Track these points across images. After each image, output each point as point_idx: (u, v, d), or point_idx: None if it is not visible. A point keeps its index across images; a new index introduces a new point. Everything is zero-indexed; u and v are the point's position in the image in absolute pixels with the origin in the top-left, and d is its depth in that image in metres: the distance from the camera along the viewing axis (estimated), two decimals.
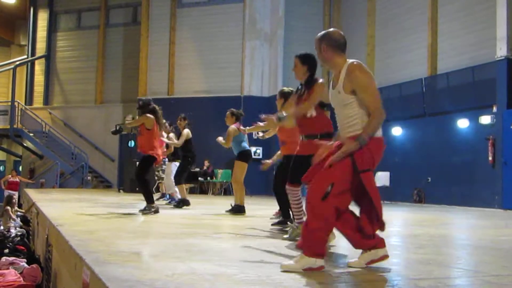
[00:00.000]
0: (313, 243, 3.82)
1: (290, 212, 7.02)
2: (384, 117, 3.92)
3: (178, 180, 11.59)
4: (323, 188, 3.77)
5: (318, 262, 3.80)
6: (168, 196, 13.93)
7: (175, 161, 12.58)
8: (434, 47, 18.05)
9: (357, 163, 3.81)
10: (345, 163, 3.81)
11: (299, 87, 5.88)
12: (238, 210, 9.66)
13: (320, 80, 5.65)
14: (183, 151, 11.70)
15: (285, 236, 5.76)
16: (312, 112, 5.60)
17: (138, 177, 9.39)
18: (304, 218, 5.60)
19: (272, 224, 7.31)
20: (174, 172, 12.55)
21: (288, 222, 7.02)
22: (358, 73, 3.95)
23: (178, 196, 12.17)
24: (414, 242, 5.39)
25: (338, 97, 4.04)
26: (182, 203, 11.25)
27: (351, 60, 4.06)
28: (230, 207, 9.89)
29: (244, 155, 9.72)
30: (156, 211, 9.09)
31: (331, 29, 4.37)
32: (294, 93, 6.03)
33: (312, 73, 5.74)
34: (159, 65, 24.31)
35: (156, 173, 14.52)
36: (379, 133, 3.96)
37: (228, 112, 9.98)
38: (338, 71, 4.08)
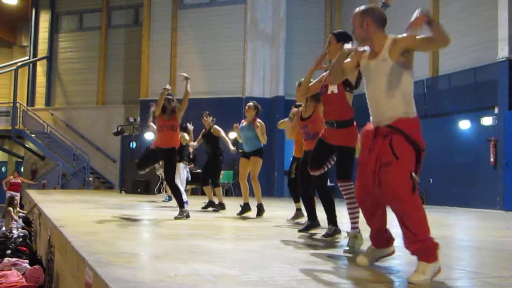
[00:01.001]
0: (427, 244, 3.65)
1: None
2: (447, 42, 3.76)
3: (217, 182, 11.18)
4: (406, 181, 3.62)
5: (438, 263, 3.63)
6: (168, 197, 13.97)
7: (182, 162, 12.45)
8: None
9: (419, 143, 3.72)
10: (409, 149, 3.69)
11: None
12: (259, 211, 9.36)
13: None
14: (215, 150, 11.10)
15: (346, 248, 5.21)
16: (334, 89, 5.47)
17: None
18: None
19: (299, 231, 6.78)
20: (181, 173, 12.49)
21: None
22: (405, 35, 3.84)
23: (184, 198, 12.17)
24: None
25: (381, 66, 3.88)
26: (219, 206, 10.86)
27: (394, 36, 3.96)
28: (240, 209, 9.63)
29: (262, 152, 9.55)
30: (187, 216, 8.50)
31: (372, 5, 4.19)
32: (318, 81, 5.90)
33: None
34: (160, 66, 24.33)
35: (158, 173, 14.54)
36: (413, 113, 3.84)
37: (251, 103, 9.75)
38: (379, 47, 3.95)
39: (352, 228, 5.42)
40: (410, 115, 3.79)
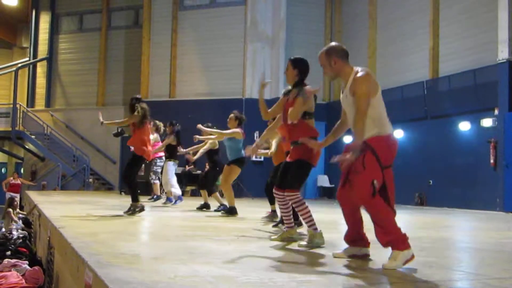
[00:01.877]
0: (396, 236, 4.17)
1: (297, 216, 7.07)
2: (362, 122, 4.24)
3: (212, 189, 11.45)
4: (368, 187, 4.16)
5: (410, 252, 4.14)
6: (155, 196, 14.10)
7: (171, 160, 12.78)
8: (436, 50, 18.06)
9: (382, 161, 4.24)
10: (374, 162, 4.21)
11: (287, 90, 5.98)
12: (231, 211, 9.82)
13: (308, 87, 5.71)
14: (213, 158, 11.45)
15: (302, 243, 5.54)
16: (294, 121, 5.69)
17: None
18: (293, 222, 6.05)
19: (273, 226, 7.41)
20: (171, 171, 12.68)
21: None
22: (359, 81, 4.32)
23: (178, 193, 12.44)
24: (416, 245, 5.38)
25: (346, 101, 4.44)
26: (229, 209, 11.01)
27: (357, 68, 4.43)
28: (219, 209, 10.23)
29: (242, 162, 9.88)
30: (142, 209, 9.15)
31: (332, 43, 4.75)
32: (283, 96, 6.05)
33: (301, 77, 5.81)
34: (160, 68, 24.32)
35: (150, 174, 14.58)
36: (385, 131, 4.35)
37: (232, 115, 9.89)
38: (346, 81, 4.45)
39: (311, 228, 5.62)
40: (382, 134, 4.31)
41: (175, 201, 12.60)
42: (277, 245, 5.51)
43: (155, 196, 14.16)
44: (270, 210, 9.04)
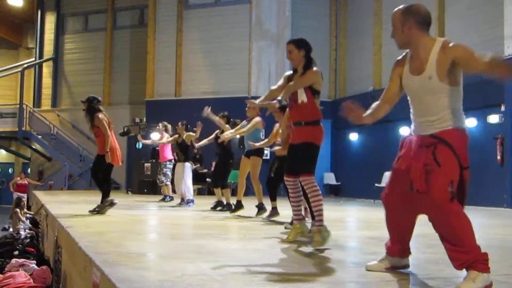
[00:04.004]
0: (476, 254, 3.41)
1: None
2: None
3: (225, 184, 11.04)
4: (445, 188, 3.40)
5: (489, 277, 3.42)
6: (169, 197, 13.95)
7: (187, 161, 12.47)
8: None
9: (461, 160, 3.51)
10: (454, 160, 3.46)
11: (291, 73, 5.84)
12: (261, 209, 9.36)
13: (315, 68, 5.64)
14: (225, 152, 10.88)
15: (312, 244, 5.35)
16: (303, 98, 5.57)
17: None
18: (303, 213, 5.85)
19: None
20: (190, 173, 12.50)
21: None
22: (458, 44, 3.55)
23: (189, 197, 12.21)
24: (423, 242, 5.38)
25: (427, 84, 3.57)
26: (227, 206, 10.71)
27: (442, 39, 3.61)
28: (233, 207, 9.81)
29: (262, 152, 9.54)
30: (112, 204, 9.17)
31: (416, 3, 3.73)
32: (285, 80, 5.89)
33: (309, 58, 5.71)
34: (166, 67, 24.33)
35: (158, 176, 14.48)
36: (463, 125, 3.61)
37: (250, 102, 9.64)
38: (423, 53, 3.60)
39: (317, 223, 5.47)
40: (460, 127, 3.57)
41: (187, 204, 12.27)
42: (285, 244, 5.50)
43: (168, 198, 13.96)
44: (271, 208, 8.87)
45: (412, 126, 3.79)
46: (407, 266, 3.98)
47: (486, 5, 16.46)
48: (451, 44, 3.55)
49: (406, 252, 3.96)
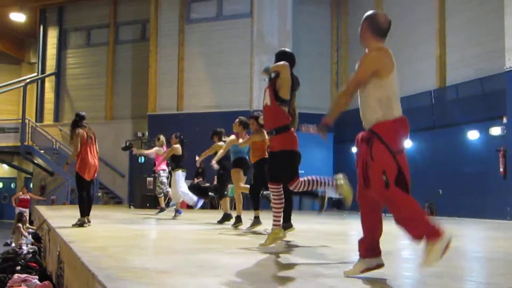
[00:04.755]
0: (425, 225, 3.78)
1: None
2: (345, 99, 4.23)
3: (222, 193, 11.26)
4: (379, 179, 3.88)
5: (445, 239, 3.73)
6: (161, 209, 14.05)
7: (178, 169, 12.58)
8: (443, 59, 18.05)
9: (391, 147, 3.93)
10: (383, 150, 3.92)
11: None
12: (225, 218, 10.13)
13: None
14: (222, 162, 10.99)
15: (262, 242, 6.16)
16: (268, 101, 6.15)
17: None
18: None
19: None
20: (181, 180, 12.57)
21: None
22: (360, 59, 4.16)
23: (194, 198, 12.38)
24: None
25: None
26: (224, 218, 10.81)
27: (378, 46, 4.19)
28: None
29: (239, 162, 9.81)
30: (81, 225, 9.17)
31: (378, 12, 4.38)
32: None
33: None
34: (168, 81, 24.41)
35: (156, 188, 14.51)
36: (392, 115, 4.04)
37: (236, 120, 9.84)
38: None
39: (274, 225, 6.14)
40: (388, 118, 4.02)
41: (196, 204, 12.38)
42: (288, 257, 5.49)
43: (161, 209, 14.08)
44: (253, 217, 8.97)
45: None
46: (381, 265, 4.16)
47: (487, 18, 16.50)
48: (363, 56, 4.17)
49: (376, 250, 4.17)
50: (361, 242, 4.22)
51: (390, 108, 4.05)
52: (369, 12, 4.27)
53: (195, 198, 12.57)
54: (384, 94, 4.06)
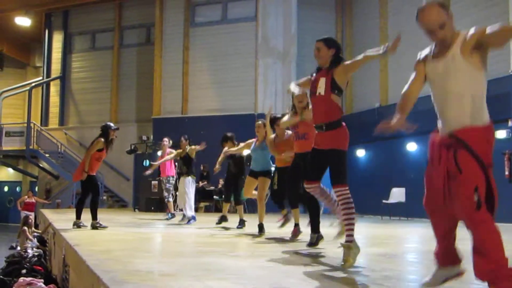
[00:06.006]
0: (501, 267, 3.22)
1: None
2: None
3: (239, 200, 11.10)
4: (470, 198, 3.22)
5: None
6: (170, 215, 13.86)
7: (189, 176, 12.39)
8: None
9: (483, 159, 3.29)
10: (472, 162, 3.28)
11: (313, 74, 5.84)
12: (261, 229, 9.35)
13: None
14: (238, 168, 10.86)
15: (341, 263, 5.05)
16: (321, 91, 5.49)
17: None
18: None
19: (307, 245, 6.87)
20: (191, 187, 12.41)
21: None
22: (474, 30, 3.57)
23: (190, 214, 12.12)
24: (433, 258, 5.34)
25: (450, 65, 3.53)
26: (241, 223, 10.64)
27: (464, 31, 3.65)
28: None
29: (270, 173, 9.29)
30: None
31: None
32: (309, 79, 5.94)
33: (338, 57, 5.67)
34: (173, 85, 24.44)
35: (164, 192, 14.40)
36: (486, 119, 3.48)
37: (260, 122, 9.36)
38: (449, 44, 3.66)
39: (347, 239, 5.23)
40: (478, 123, 3.43)
41: (188, 222, 12.18)
42: (293, 260, 5.48)
43: (169, 215, 13.91)
44: (282, 216, 8.84)
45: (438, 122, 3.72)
46: (461, 273, 3.80)
47: (492, 21, 16.29)
48: (469, 33, 3.62)
49: (454, 258, 3.79)
50: (437, 253, 3.81)
51: (482, 111, 3.51)
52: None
53: (192, 214, 12.30)
54: (481, 91, 3.52)
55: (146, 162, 21.46)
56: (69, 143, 28.17)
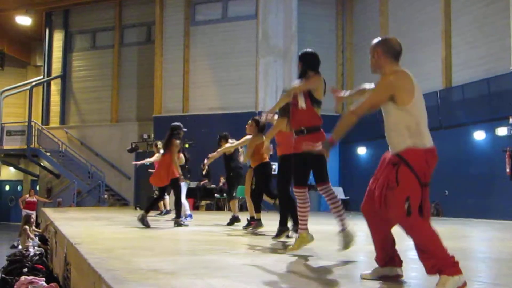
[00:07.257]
0: (442, 258, 3.64)
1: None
2: (353, 119, 4.09)
3: (232, 195, 11.11)
4: (401, 205, 3.70)
5: (462, 278, 3.62)
6: (165, 211, 14.15)
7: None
8: (449, 59, 18.01)
9: (420, 176, 3.82)
10: (411, 178, 3.78)
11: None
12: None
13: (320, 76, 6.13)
14: (229, 164, 10.90)
15: (290, 246, 6.00)
16: (303, 104, 5.94)
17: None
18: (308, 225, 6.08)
19: (273, 238, 7.45)
20: (183, 191, 12.45)
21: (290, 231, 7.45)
22: (381, 80, 4.06)
23: (186, 212, 12.22)
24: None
25: (383, 106, 4.03)
26: (233, 219, 10.76)
27: (397, 70, 4.07)
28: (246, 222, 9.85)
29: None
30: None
31: (391, 37, 4.29)
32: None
33: (304, 69, 6.24)
34: (173, 83, 24.44)
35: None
36: (423, 144, 3.92)
37: (250, 121, 9.44)
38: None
39: (343, 227, 5.85)
40: (419, 146, 3.88)
41: (185, 218, 12.15)
42: (294, 258, 5.48)
43: (164, 211, 14.20)
44: (255, 219, 9.03)
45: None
46: (399, 276, 4.15)
47: (492, 18, 16.46)
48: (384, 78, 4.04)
49: (393, 261, 4.16)
50: (376, 254, 4.22)
51: (421, 136, 3.93)
52: (379, 38, 4.17)
53: (188, 212, 12.40)
54: (413, 120, 3.90)
55: (148, 163, 21.46)
56: (70, 142, 28.18)
